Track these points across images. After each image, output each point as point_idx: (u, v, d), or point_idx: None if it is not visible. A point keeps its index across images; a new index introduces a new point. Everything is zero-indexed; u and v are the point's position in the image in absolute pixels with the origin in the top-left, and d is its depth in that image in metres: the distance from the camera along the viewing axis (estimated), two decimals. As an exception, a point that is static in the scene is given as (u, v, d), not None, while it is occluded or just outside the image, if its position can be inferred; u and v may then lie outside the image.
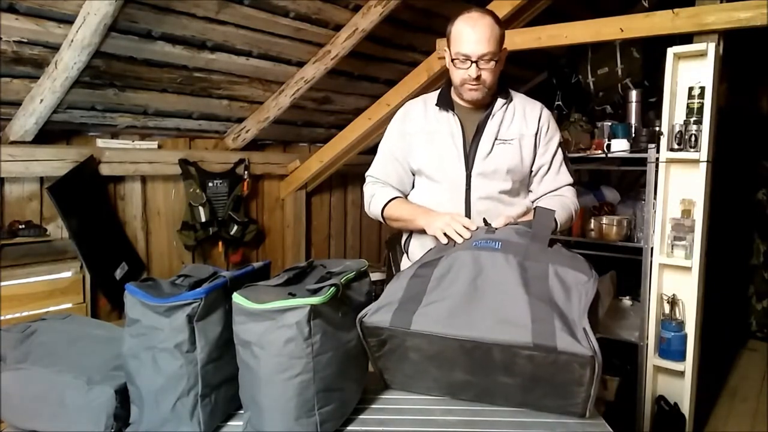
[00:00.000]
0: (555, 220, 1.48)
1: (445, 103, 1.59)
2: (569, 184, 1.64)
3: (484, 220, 1.39)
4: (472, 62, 1.46)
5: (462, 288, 1.11)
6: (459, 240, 1.30)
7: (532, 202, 1.64)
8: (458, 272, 1.15)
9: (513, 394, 1.17)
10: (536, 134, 1.58)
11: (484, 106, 1.57)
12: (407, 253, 1.72)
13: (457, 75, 1.51)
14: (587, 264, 1.16)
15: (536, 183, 1.63)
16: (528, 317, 1.03)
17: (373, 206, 1.66)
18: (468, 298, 1.09)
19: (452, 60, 1.50)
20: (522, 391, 1.15)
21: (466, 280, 1.13)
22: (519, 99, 1.62)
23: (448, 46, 1.52)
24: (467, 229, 1.32)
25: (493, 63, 1.47)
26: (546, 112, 1.62)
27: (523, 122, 1.58)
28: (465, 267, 1.16)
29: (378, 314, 1.12)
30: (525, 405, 1.19)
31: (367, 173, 1.72)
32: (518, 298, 1.07)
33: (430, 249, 1.35)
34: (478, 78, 1.47)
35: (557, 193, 1.61)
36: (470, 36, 1.45)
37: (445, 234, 1.34)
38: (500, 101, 1.57)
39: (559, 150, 1.62)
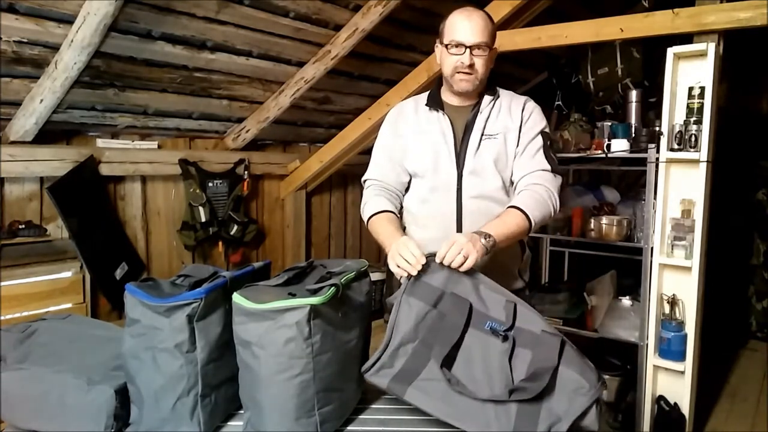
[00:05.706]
0: (530, 221, 1.42)
1: (435, 103, 1.58)
2: (545, 170, 1.53)
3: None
4: (465, 48, 1.46)
5: (460, 374, 1.12)
6: (412, 272, 1.22)
7: (512, 185, 1.58)
8: (463, 354, 1.15)
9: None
10: (520, 126, 1.56)
11: (473, 104, 1.57)
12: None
13: (449, 63, 1.50)
14: (595, 372, 1.13)
15: (514, 168, 1.57)
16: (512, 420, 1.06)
17: (364, 216, 1.61)
18: (463, 386, 1.11)
19: (446, 46, 1.50)
20: None
21: (467, 368, 1.13)
22: (506, 96, 1.61)
23: (441, 39, 1.52)
24: (413, 255, 1.23)
25: (485, 54, 1.48)
26: (530, 105, 1.60)
27: (508, 117, 1.56)
28: (472, 350, 1.15)
29: (377, 376, 1.14)
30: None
31: (363, 178, 1.67)
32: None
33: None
34: (471, 66, 1.48)
35: (533, 182, 1.51)
36: (465, 24, 1.47)
37: (398, 266, 1.25)
38: (487, 98, 1.56)
39: (539, 137, 1.56)
